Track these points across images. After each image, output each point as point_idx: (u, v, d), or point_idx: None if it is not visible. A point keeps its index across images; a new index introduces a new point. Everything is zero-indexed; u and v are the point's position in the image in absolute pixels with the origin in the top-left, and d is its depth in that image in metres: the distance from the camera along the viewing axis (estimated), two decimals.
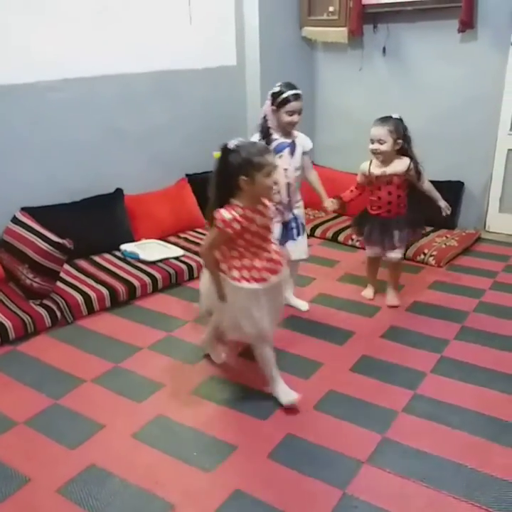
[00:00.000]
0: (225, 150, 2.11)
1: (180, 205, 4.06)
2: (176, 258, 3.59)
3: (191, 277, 3.55)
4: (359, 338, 2.89)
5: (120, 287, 3.22)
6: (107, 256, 3.60)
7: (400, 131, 2.94)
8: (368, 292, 3.35)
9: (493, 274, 3.60)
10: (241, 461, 2.08)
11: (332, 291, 3.43)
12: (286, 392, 2.35)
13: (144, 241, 3.76)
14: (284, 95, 2.81)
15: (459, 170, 4.26)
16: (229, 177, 2.12)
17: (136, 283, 3.28)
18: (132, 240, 3.74)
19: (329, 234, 4.28)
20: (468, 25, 3.86)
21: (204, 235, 3.99)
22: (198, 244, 3.81)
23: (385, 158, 2.99)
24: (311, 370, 2.61)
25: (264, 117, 2.87)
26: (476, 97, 4.08)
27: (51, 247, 2.99)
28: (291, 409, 2.33)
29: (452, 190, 4.29)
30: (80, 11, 3.48)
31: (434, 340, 2.84)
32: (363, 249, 4.02)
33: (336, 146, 4.81)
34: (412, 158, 3.01)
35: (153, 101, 3.99)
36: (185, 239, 3.94)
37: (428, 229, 4.18)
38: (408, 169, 2.99)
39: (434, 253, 3.80)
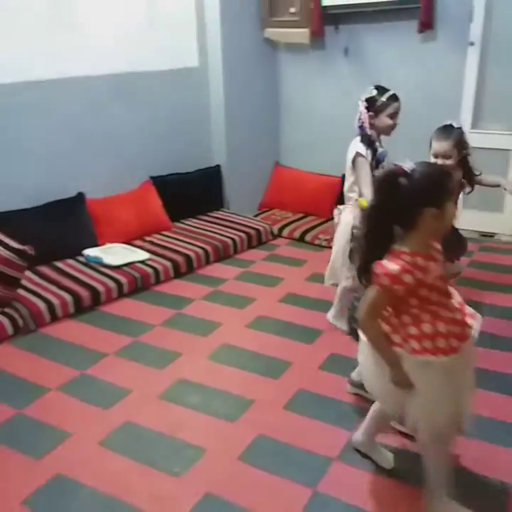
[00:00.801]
0: (396, 175, 1.56)
1: (145, 208, 4.01)
2: (142, 262, 3.55)
3: (158, 281, 3.51)
4: (328, 337, 2.90)
5: (84, 293, 3.16)
6: (70, 261, 3.53)
7: (464, 142, 2.67)
8: None
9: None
10: (211, 464, 2.06)
11: (301, 291, 3.44)
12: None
13: (108, 245, 3.70)
14: (385, 97, 2.64)
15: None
16: (400, 212, 1.57)
17: (100, 288, 3.22)
18: (96, 245, 3.68)
19: (297, 234, 4.29)
20: (427, 25, 3.92)
21: (170, 237, 3.96)
22: (164, 247, 3.78)
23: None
24: (281, 370, 2.61)
25: (362, 125, 2.64)
26: (437, 96, 4.14)
27: (11, 254, 2.92)
28: (262, 411, 2.32)
29: None
30: (38, 13, 3.41)
31: None
32: (331, 248, 4.06)
33: (300, 146, 4.84)
34: (467, 169, 2.75)
35: (115, 103, 3.93)
36: (151, 242, 3.89)
37: None
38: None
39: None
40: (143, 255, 3.61)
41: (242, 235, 4.11)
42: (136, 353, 2.77)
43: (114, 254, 3.57)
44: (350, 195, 2.77)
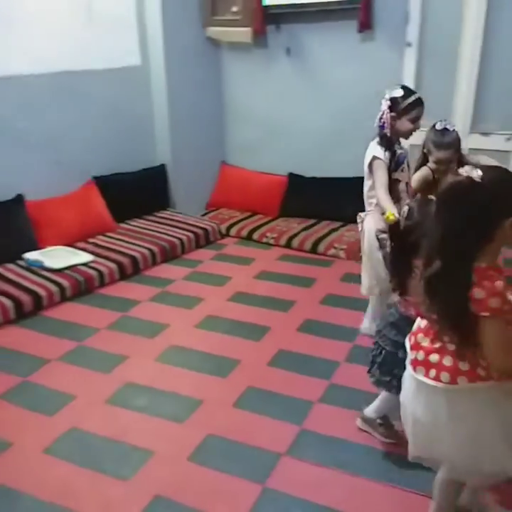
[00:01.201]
0: (470, 184, 1.34)
1: (88, 209, 3.92)
2: (85, 264, 3.46)
3: (102, 283, 3.44)
4: (275, 333, 2.92)
5: (25, 298, 3.06)
6: (10, 266, 3.41)
7: (459, 144, 2.63)
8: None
9: None
10: (160, 466, 2.03)
11: (249, 289, 3.44)
12: None
13: (49, 248, 3.59)
14: (410, 100, 2.48)
15: (362, 166, 4.40)
16: (476, 226, 1.35)
17: (42, 292, 3.13)
18: (37, 248, 3.56)
19: (244, 232, 4.30)
20: (366, 25, 4.00)
21: (115, 239, 3.89)
22: (108, 248, 3.71)
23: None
24: (230, 368, 2.61)
25: (383, 125, 2.50)
26: (377, 95, 4.21)
27: None
28: (211, 410, 2.31)
29: (359, 185, 4.44)
30: None
31: (346, 330, 2.91)
32: (278, 246, 4.10)
33: (245, 145, 4.85)
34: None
35: (55, 103, 3.82)
36: (95, 244, 3.81)
37: (337, 224, 4.31)
38: None
39: (344, 247, 3.91)
40: (86, 257, 3.53)
41: (190, 234, 4.08)
42: (81, 358, 2.71)
43: (56, 257, 3.48)
44: (370, 200, 2.64)
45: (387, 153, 2.49)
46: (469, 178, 1.34)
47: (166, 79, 4.35)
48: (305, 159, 4.61)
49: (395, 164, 2.50)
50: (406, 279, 1.75)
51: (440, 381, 1.45)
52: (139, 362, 2.68)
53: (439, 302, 1.40)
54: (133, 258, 3.63)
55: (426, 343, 1.51)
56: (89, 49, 3.98)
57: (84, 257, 3.53)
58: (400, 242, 1.73)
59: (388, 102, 2.51)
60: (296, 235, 4.14)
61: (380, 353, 2.02)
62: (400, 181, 2.51)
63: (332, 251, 3.92)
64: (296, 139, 4.62)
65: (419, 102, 2.51)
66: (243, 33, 4.40)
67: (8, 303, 2.99)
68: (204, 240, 4.17)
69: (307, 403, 2.34)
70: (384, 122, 2.50)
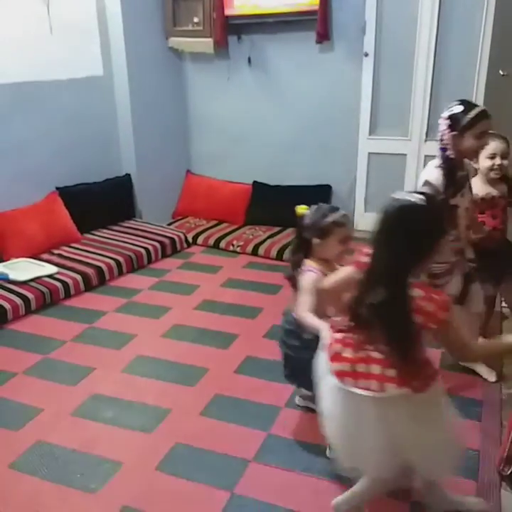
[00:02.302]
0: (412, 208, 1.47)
1: (52, 220, 3.89)
2: (50, 276, 3.44)
3: (67, 295, 3.41)
4: (243, 340, 2.96)
5: None
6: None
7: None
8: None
9: None
10: (128, 477, 2.04)
11: (216, 297, 3.47)
12: None
13: (13, 260, 3.55)
14: (473, 114, 2.16)
15: (326, 174, 4.51)
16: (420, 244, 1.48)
17: (6, 305, 3.09)
18: (0, 260, 3.52)
19: (211, 241, 4.33)
20: (324, 36, 4.10)
21: (80, 249, 3.87)
22: (73, 259, 3.69)
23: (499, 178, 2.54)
24: (198, 377, 2.63)
25: (444, 148, 2.20)
26: (338, 104, 4.34)
27: None
28: (179, 419, 2.33)
29: (321, 193, 4.53)
30: None
31: None
32: (245, 253, 4.14)
33: (211, 154, 4.89)
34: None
35: (16, 113, 3.79)
36: (60, 255, 3.78)
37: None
38: (510, 190, 2.58)
39: None
40: (51, 269, 3.50)
41: (156, 244, 4.09)
42: (47, 371, 2.69)
43: (20, 269, 3.44)
44: None
45: (444, 178, 2.19)
46: (413, 202, 1.44)
47: (129, 89, 4.36)
48: (269, 167, 4.68)
49: (454, 189, 2.22)
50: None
51: (370, 390, 1.51)
52: (106, 373, 2.68)
53: (385, 324, 1.46)
54: (98, 269, 3.62)
55: (348, 353, 1.56)
56: (52, 59, 3.96)
57: (49, 269, 3.50)
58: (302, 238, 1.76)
59: (447, 121, 2.18)
60: (262, 242, 4.19)
61: (286, 358, 2.23)
62: (458, 207, 2.25)
63: None
64: (260, 148, 4.69)
65: (483, 115, 2.18)
66: (205, 44, 4.45)
67: None
68: (171, 249, 4.18)
69: (274, 409, 2.38)
70: (446, 144, 2.18)
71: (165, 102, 4.66)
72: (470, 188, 2.33)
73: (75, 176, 4.20)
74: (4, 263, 3.50)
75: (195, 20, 4.43)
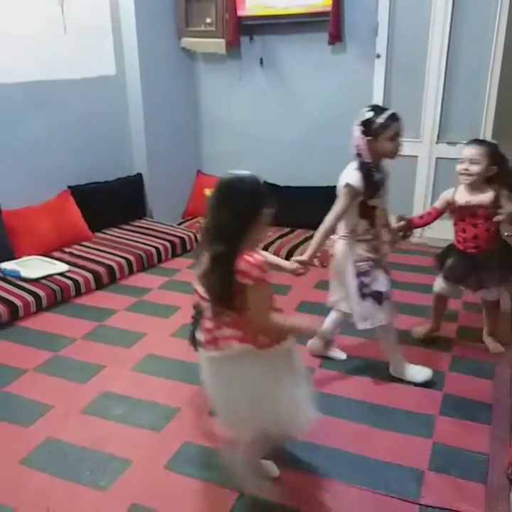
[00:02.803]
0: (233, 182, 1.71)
1: (64, 219, 3.92)
2: (61, 274, 3.47)
3: (78, 293, 3.44)
4: None
5: (1, 308, 3.05)
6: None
7: (497, 157, 2.53)
8: (420, 330, 2.96)
9: None
10: (137, 475, 2.05)
11: None
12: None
13: (25, 258, 3.58)
14: (383, 117, 2.28)
15: (337, 175, 4.45)
16: (246, 214, 1.67)
17: (18, 302, 3.12)
18: (12, 258, 3.55)
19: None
20: (336, 38, 4.10)
21: (91, 248, 3.90)
22: (84, 258, 3.72)
23: (473, 184, 2.57)
24: None
25: (359, 153, 2.31)
26: (349, 105, 4.27)
27: None
28: (188, 418, 2.34)
29: (331, 194, 4.51)
30: None
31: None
32: None
33: (221, 154, 4.89)
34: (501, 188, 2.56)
35: (30, 112, 3.82)
36: (71, 253, 3.81)
37: (311, 232, 4.37)
38: (495, 201, 2.54)
39: (318, 254, 3.96)
40: (62, 267, 3.53)
41: (166, 243, 4.11)
42: (57, 368, 2.71)
43: (32, 267, 3.47)
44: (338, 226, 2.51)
45: (363, 181, 2.30)
46: (239, 175, 1.70)
47: (141, 89, 4.38)
48: (280, 168, 4.68)
49: (372, 191, 2.35)
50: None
51: (221, 349, 1.73)
52: (116, 371, 2.70)
53: (214, 277, 1.67)
54: (109, 267, 3.64)
55: (210, 324, 1.76)
56: (65, 59, 3.99)
57: (60, 267, 3.53)
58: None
59: (360, 127, 2.30)
60: (271, 243, 4.19)
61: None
62: (376, 208, 2.40)
63: None
64: (271, 148, 4.69)
65: (394, 118, 2.30)
66: (217, 44, 4.46)
67: None
68: (180, 248, 4.20)
69: None
70: (360, 149, 2.29)
71: (176, 102, 4.67)
72: (386, 190, 2.44)
73: (87, 175, 4.22)
74: (16, 261, 3.53)
75: (208, 20, 4.44)
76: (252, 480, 1.93)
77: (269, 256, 2.15)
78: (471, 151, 2.54)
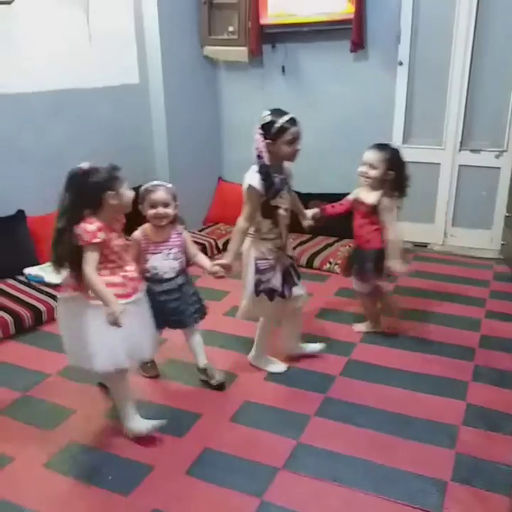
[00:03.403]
0: (78, 174, 2.14)
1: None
2: None
3: None
4: (272, 347, 2.96)
5: (25, 313, 3.10)
6: (10, 281, 3.45)
7: (395, 163, 2.73)
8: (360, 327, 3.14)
9: (393, 279, 3.80)
10: (158, 480, 2.06)
11: None
12: (141, 423, 2.27)
13: (48, 263, 3.62)
14: (279, 123, 2.37)
15: (356, 183, 4.48)
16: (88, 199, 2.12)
17: (41, 307, 3.17)
18: (37, 263, 3.60)
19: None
20: (358, 45, 4.10)
21: None
22: None
23: (372, 186, 2.77)
24: (227, 383, 2.64)
25: (259, 155, 2.39)
26: (371, 113, 4.33)
27: None
28: (209, 425, 2.35)
29: None
30: None
31: (342, 344, 2.96)
32: None
33: (242, 162, 4.83)
34: (392, 194, 2.76)
35: (54, 120, 3.88)
36: None
37: (332, 239, 4.38)
38: (379, 204, 2.75)
39: (339, 262, 3.97)
40: None
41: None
42: (80, 373, 2.71)
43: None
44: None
45: (263, 183, 2.39)
46: (80, 168, 2.12)
47: (164, 97, 4.42)
48: (300, 175, 4.64)
49: (273, 192, 2.45)
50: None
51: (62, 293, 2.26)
52: (137, 376, 2.71)
53: (60, 245, 2.12)
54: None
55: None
56: (89, 67, 4.05)
57: None
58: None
59: (260, 130, 2.37)
60: (292, 249, 4.19)
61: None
62: (279, 208, 2.49)
63: (327, 266, 3.98)
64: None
65: (292, 122, 2.39)
66: (240, 52, 4.49)
67: (8, 318, 3.03)
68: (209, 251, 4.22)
69: (304, 417, 2.38)
70: (260, 152, 2.37)
71: (199, 110, 4.71)
72: (290, 189, 2.58)
73: None
74: (40, 266, 3.58)
75: (230, 29, 4.48)
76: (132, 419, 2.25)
77: (199, 254, 2.64)
78: (370, 156, 2.74)
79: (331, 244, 4.28)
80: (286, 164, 2.57)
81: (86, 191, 2.10)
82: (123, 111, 4.34)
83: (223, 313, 3.37)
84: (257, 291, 2.57)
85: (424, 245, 4.43)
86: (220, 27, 4.55)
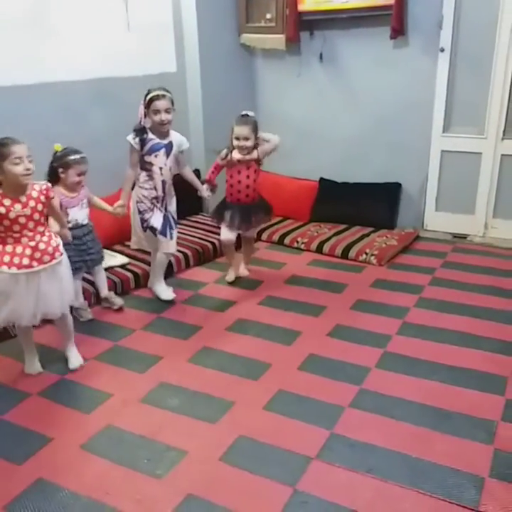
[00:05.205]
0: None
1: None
2: (122, 266, 3.56)
3: (137, 285, 3.53)
4: (306, 338, 2.95)
5: None
6: None
7: (257, 128, 3.39)
8: (231, 275, 3.67)
9: (431, 271, 3.74)
10: (193, 465, 2.08)
11: (280, 294, 3.48)
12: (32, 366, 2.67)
13: None
14: (150, 95, 3.08)
15: (396, 172, 4.42)
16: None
17: None
18: None
19: (276, 237, 4.34)
20: (399, 32, 4.01)
21: None
22: (144, 251, 3.80)
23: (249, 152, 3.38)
24: (261, 371, 2.65)
25: (140, 118, 3.13)
26: (410, 101, 4.24)
27: None
28: (242, 412, 2.36)
29: (390, 191, 4.45)
30: (15, 18, 3.40)
31: (377, 336, 2.93)
32: (309, 250, 4.13)
33: (278, 150, 4.88)
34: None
35: (93, 109, 3.93)
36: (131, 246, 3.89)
37: (368, 229, 4.32)
38: (258, 157, 3.44)
39: (375, 252, 3.92)
40: (122, 260, 3.63)
41: None
42: (117, 358, 2.79)
43: None
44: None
45: (137, 139, 3.14)
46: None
47: (200, 85, 4.43)
48: (337, 164, 4.64)
49: (147, 150, 3.16)
50: None
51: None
52: (173, 362, 2.75)
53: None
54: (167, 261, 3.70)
55: None
56: (128, 56, 4.08)
57: (121, 259, 3.62)
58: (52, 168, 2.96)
59: (143, 98, 3.13)
60: (327, 240, 4.16)
61: None
62: (153, 164, 3.18)
63: (363, 257, 3.93)
64: (328, 144, 4.65)
65: (155, 97, 3.09)
66: (277, 40, 4.45)
67: None
68: (236, 243, 4.21)
69: (338, 408, 2.37)
70: (140, 115, 3.14)
71: (235, 98, 4.69)
72: (168, 155, 3.22)
73: None
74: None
75: (268, 16, 4.44)
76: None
77: (97, 200, 3.23)
78: (244, 131, 3.31)
79: (367, 235, 4.23)
80: (177, 136, 3.28)
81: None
82: None
83: (258, 302, 3.38)
84: (144, 228, 3.25)
85: (464, 237, 4.33)
86: (257, 14, 4.51)
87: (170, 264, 3.71)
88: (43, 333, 2.98)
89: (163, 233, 3.25)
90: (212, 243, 4.05)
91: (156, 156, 3.18)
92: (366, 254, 3.93)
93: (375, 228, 4.33)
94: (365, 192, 4.47)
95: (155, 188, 3.22)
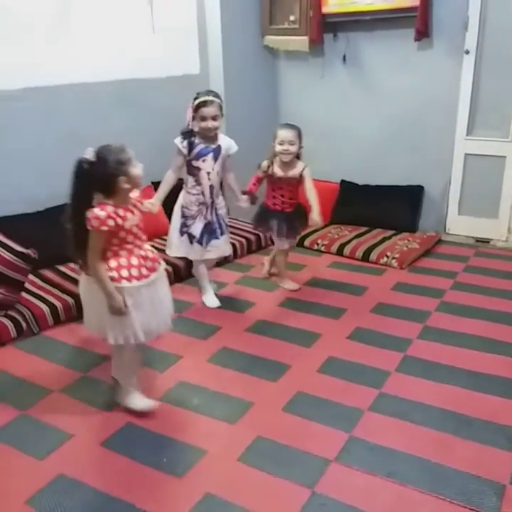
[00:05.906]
0: (82, 163, 2.11)
1: (145, 215, 4.01)
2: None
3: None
4: (326, 340, 2.95)
5: None
6: (72, 265, 3.56)
7: (301, 137, 3.31)
8: (291, 285, 3.59)
9: (453, 275, 3.71)
10: (211, 465, 2.09)
11: (299, 295, 3.48)
12: (140, 400, 2.38)
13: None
14: (197, 101, 3.04)
15: (419, 174, 4.39)
16: (101, 184, 2.14)
17: None
18: None
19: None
20: (423, 34, 3.98)
21: None
22: (165, 251, 3.82)
23: (291, 160, 3.31)
24: (279, 373, 2.65)
25: (188, 122, 3.10)
26: (434, 103, 4.21)
27: (15, 257, 2.96)
28: (261, 413, 2.37)
29: (413, 194, 4.42)
30: (39, 19, 3.46)
31: (397, 340, 2.91)
32: (329, 253, 4.12)
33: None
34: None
35: (117, 110, 3.98)
36: (152, 246, 3.91)
37: (390, 232, 4.30)
38: (301, 173, 3.35)
39: (397, 255, 3.90)
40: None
41: (242, 240, 4.15)
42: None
43: None
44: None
45: (185, 142, 3.09)
46: (83, 158, 2.09)
47: (224, 87, 4.44)
48: (358, 167, 4.62)
49: (195, 155, 3.12)
50: None
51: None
52: (192, 362, 2.77)
53: (70, 229, 2.14)
54: (188, 261, 3.72)
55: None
56: (152, 57, 4.13)
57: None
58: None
59: (192, 102, 3.08)
60: (347, 242, 4.15)
61: None
62: (200, 169, 3.14)
63: (384, 260, 3.91)
64: (350, 147, 4.64)
65: (202, 103, 3.03)
66: (300, 42, 4.46)
67: (70, 301, 3.14)
68: (256, 245, 4.23)
69: (357, 411, 2.36)
70: (188, 119, 3.10)
71: (258, 100, 4.71)
72: (217, 160, 3.18)
73: None
74: None
75: (292, 18, 4.45)
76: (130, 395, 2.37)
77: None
78: (289, 134, 3.23)
79: (388, 238, 4.21)
80: (226, 139, 3.25)
81: (97, 182, 2.10)
82: (184, 101, 4.36)
83: (277, 304, 3.38)
84: (181, 232, 3.23)
85: (487, 241, 4.28)
86: (281, 16, 4.52)
87: (191, 265, 3.74)
88: (61, 331, 3.02)
89: (200, 242, 3.24)
90: (232, 244, 4.05)
91: (203, 161, 3.15)
92: (387, 257, 3.91)
93: (396, 231, 4.30)
94: (387, 194, 4.44)
95: (203, 193, 3.19)
